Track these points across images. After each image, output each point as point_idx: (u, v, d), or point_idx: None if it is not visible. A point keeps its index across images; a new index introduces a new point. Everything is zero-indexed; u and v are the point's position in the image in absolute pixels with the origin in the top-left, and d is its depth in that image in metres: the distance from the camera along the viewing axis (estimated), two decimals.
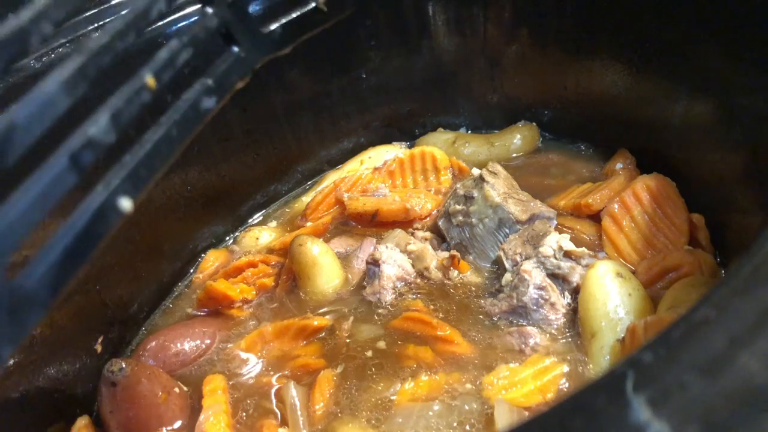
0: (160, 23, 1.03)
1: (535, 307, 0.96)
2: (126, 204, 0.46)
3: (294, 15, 0.70)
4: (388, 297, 1.06)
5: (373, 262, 1.07)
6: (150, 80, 0.50)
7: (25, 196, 0.41)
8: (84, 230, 0.44)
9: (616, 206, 1.07)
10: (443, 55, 1.37)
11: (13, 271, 0.40)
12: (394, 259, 1.07)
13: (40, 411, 0.92)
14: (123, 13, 0.51)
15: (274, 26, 0.68)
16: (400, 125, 1.45)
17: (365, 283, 1.08)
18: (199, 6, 0.60)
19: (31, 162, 0.43)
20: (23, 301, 0.40)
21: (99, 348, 1.04)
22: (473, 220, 1.10)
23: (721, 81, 0.97)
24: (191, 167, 1.19)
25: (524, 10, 1.28)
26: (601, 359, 0.89)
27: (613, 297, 0.91)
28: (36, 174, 0.42)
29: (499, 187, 1.10)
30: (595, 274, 0.94)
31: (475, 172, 1.14)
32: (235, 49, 0.63)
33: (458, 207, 1.12)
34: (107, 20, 0.99)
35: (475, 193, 1.10)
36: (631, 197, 1.06)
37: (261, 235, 1.27)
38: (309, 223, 1.27)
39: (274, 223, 1.34)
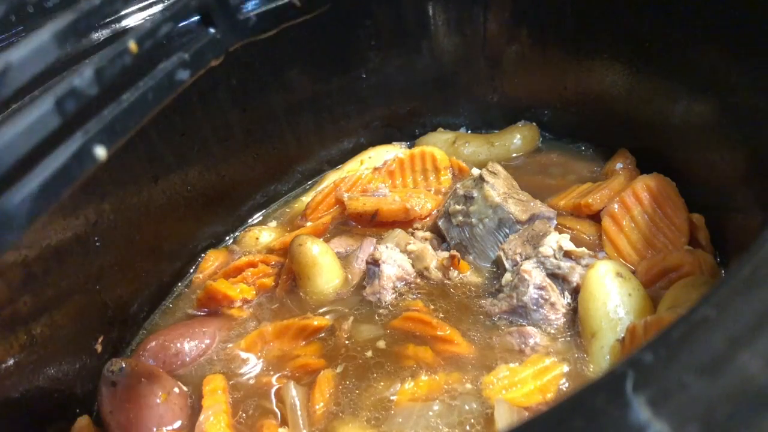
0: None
1: (535, 307, 0.96)
2: (101, 152, 0.52)
3: (270, 6, 0.74)
4: (388, 297, 1.06)
5: (373, 262, 1.07)
6: (133, 45, 0.56)
7: (11, 129, 0.46)
8: (61, 169, 0.49)
9: (616, 206, 1.07)
10: (443, 55, 1.37)
11: None
12: (394, 259, 1.07)
13: (40, 411, 0.92)
14: None
15: (250, 14, 0.72)
16: (400, 125, 1.45)
17: (365, 283, 1.08)
18: None
19: (20, 101, 0.45)
20: (1, 222, 0.45)
21: (99, 348, 1.04)
22: (473, 220, 1.10)
23: (721, 81, 0.97)
24: (191, 167, 1.19)
25: (524, 10, 1.28)
26: (601, 359, 0.89)
27: (613, 297, 0.91)
28: (23, 111, 0.47)
29: (499, 187, 1.10)
30: (595, 274, 0.94)
31: (475, 172, 1.14)
32: (212, 30, 0.68)
33: (458, 207, 1.12)
34: (107, 20, 0.99)
35: (475, 193, 1.10)
36: (631, 197, 1.06)
37: (261, 235, 1.27)
38: (309, 223, 1.27)
39: (274, 223, 1.34)
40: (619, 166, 1.20)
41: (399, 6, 1.30)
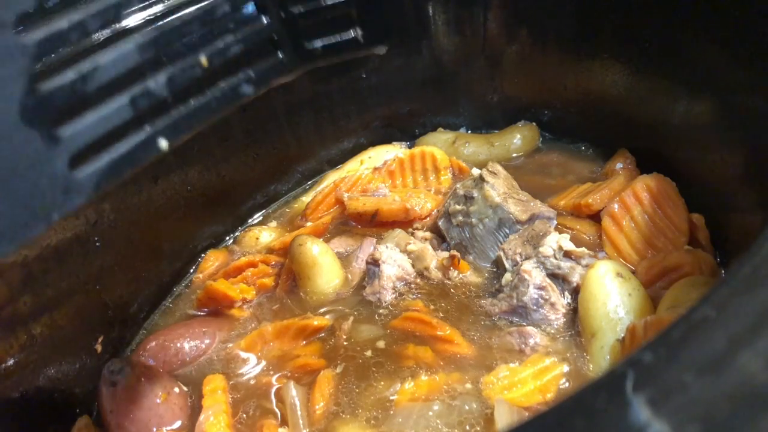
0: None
1: (535, 307, 0.96)
2: (164, 144, 0.63)
3: (335, 39, 0.84)
4: (388, 297, 1.06)
5: (373, 262, 1.07)
6: (204, 60, 0.68)
7: (92, 115, 0.58)
8: (128, 153, 0.60)
9: (616, 206, 1.07)
10: (443, 55, 1.37)
11: (73, 164, 0.57)
12: (394, 259, 1.07)
13: (40, 411, 0.92)
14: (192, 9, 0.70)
15: (316, 44, 0.82)
16: (400, 125, 1.45)
17: (365, 283, 1.08)
18: (256, 12, 0.76)
19: (102, 95, 0.59)
20: (74, 187, 0.57)
21: (99, 348, 1.04)
22: (473, 220, 1.10)
23: (721, 81, 0.97)
24: (191, 167, 1.19)
25: (524, 10, 1.28)
26: (601, 359, 0.89)
27: (613, 297, 0.91)
28: (104, 102, 0.59)
29: (499, 187, 1.10)
30: (595, 274, 0.94)
31: (475, 172, 1.14)
32: (280, 54, 0.78)
33: (458, 207, 1.12)
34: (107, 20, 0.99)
35: (475, 193, 1.10)
36: (631, 197, 1.06)
37: (261, 235, 1.27)
38: (309, 223, 1.27)
39: (274, 223, 1.34)
40: (619, 166, 1.20)
41: (399, 6, 1.30)
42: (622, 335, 0.88)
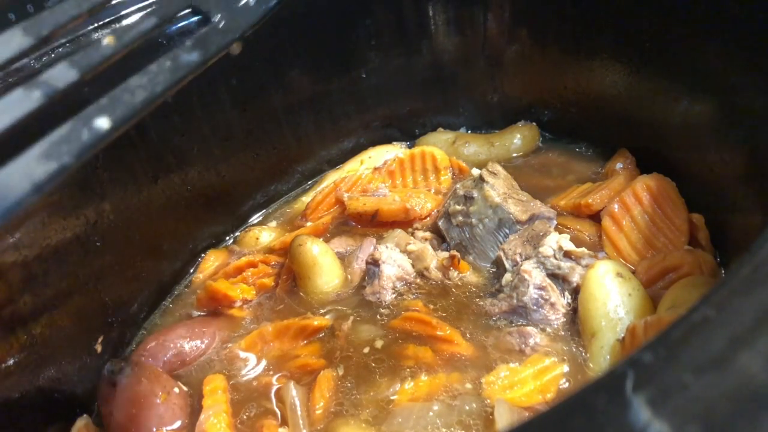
0: None
1: (535, 307, 0.96)
2: (105, 124, 0.55)
3: None
4: (388, 297, 1.06)
5: (373, 262, 1.07)
6: (110, 39, 0.59)
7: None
8: (65, 138, 0.52)
9: (616, 206, 1.07)
10: (443, 55, 1.37)
11: None
12: (394, 259, 1.07)
13: (40, 411, 0.92)
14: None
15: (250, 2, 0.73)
16: (400, 125, 1.45)
17: (365, 283, 1.08)
18: None
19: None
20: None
21: (99, 348, 1.04)
22: (473, 220, 1.10)
23: (721, 81, 0.97)
24: (191, 167, 1.19)
25: (524, 10, 1.28)
26: (601, 359, 0.89)
27: (613, 297, 0.91)
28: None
29: (498, 188, 1.10)
30: (595, 274, 0.94)
31: (475, 172, 1.14)
32: (213, 20, 0.68)
33: (458, 207, 1.12)
34: (107, 20, 0.99)
35: (475, 194, 1.10)
36: (631, 197, 1.06)
37: (261, 235, 1.27)
38: (309, 223, 1.27)
39: (274, 223, 1.34)
40: (619, 166, 1.20)
41: (399, 6, 1.30)
42: (622, 335, 0.88)
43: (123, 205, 1.07)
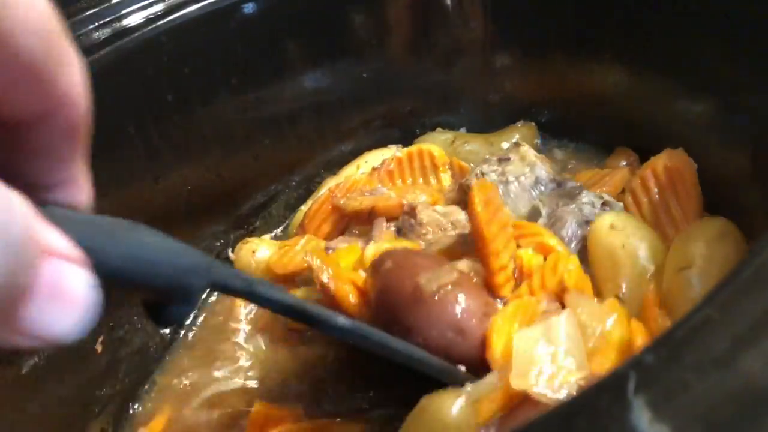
0: None
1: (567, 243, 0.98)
2: None
3: None
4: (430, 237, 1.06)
5: (410, 211, 1.08)
6: None
7: None
8: None
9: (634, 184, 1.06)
10: (443, 55, 1.37)
11: None
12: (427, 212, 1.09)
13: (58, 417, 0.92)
14: None
15: None
16: (400, 125, 1.45)
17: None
18: None
19: None
20: None
21: (99, 348, 1.03)
22: (509, 177, 1.12)
23: (721, 81, 0.97)
24: (191, 167, 1.19)
25: (524, 10, 1.28)
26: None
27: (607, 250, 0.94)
28: None
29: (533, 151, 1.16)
30: (593, 228, 0.97)
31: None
32: None
33: (492, 167, 1.15)
34: (107, 20, 0.99)
35: (512, 156, 1.14)
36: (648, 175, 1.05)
37: (258, 248, 1.23)
38: (306, 235, 1.23)
39: (268, 236, 1.32)
40: (623, 164, 1.19)
41: (399, 6, 1.30)
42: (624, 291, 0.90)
43: (123, 205, 1.06)
